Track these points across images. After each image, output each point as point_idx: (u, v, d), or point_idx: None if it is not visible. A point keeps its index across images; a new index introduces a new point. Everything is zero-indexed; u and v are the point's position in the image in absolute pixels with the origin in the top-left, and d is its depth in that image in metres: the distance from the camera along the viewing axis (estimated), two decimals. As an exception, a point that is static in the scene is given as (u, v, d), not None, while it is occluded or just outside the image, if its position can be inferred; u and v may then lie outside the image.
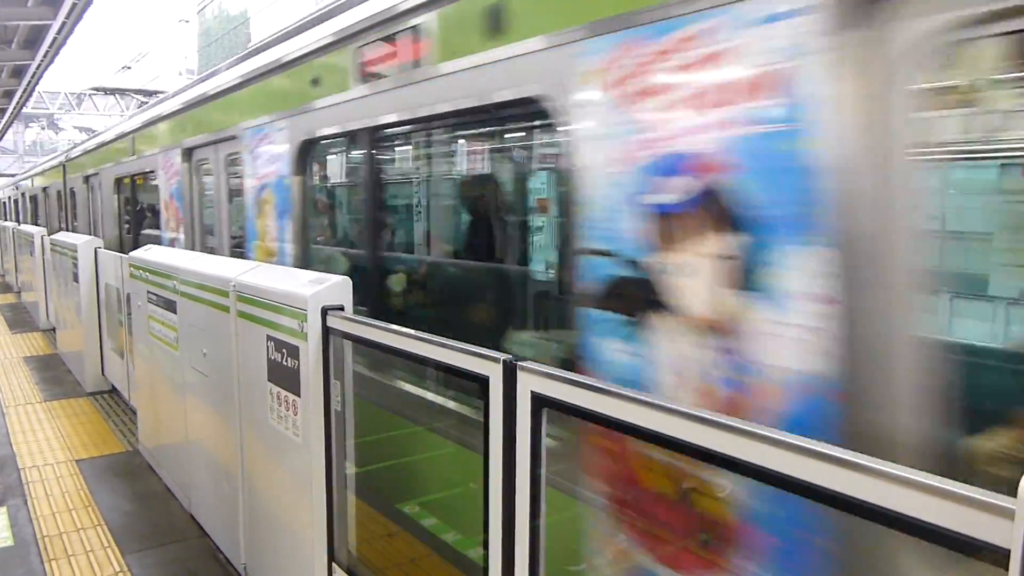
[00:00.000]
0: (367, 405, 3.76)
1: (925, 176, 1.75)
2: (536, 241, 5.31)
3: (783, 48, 1.91)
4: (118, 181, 11.07)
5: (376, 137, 4.39)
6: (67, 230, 14.36)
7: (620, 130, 2.45)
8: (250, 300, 3.80)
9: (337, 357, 3.25)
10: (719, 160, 2.09)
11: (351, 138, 4.81)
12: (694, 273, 2.18)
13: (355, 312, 3.29)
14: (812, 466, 1.38)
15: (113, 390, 8.40)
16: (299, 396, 3.33)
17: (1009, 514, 1.11)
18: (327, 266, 5.31)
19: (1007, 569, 1.10)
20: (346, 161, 6.18)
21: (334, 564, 3.33)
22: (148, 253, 5.93)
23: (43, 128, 48.50)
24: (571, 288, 2.70)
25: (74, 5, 10.03)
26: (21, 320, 13.91)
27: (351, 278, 3.33)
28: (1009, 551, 1.09)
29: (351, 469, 3.42)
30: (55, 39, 11.57)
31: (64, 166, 15.83)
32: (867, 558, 1.80)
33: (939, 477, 1.23)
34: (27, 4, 10.34)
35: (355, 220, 6.10)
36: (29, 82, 15.25)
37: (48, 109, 41.21)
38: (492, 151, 5.67)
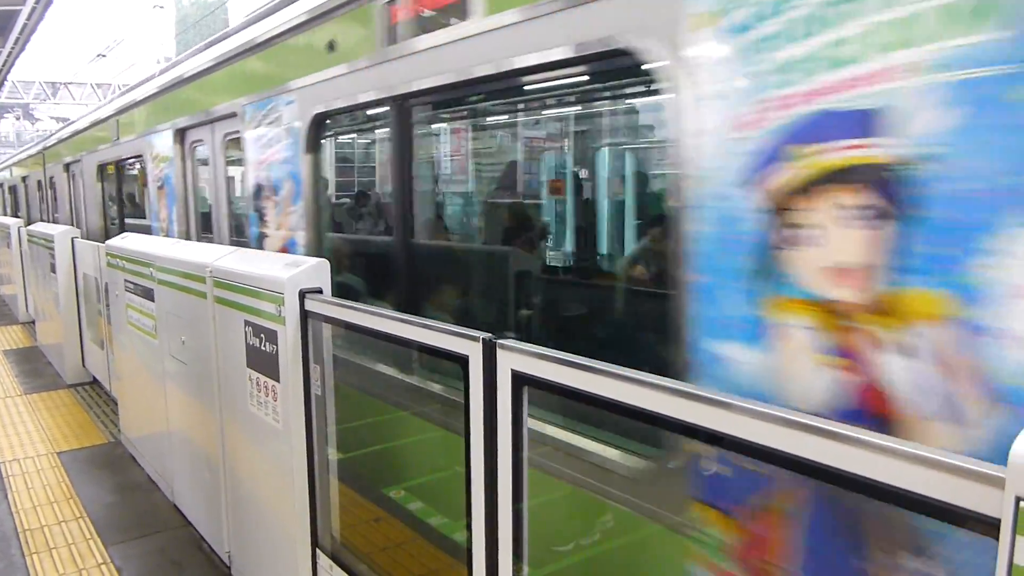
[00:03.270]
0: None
1: None
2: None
3: None
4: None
5: None
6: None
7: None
8: (227, 285, 3.73)
9: (316, 340, 3.20)
10: None
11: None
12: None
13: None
14: (798, 438, 1.35)
15: (94, 381, 8.31)
16: (278, 381, 3.28)
17: (999, 483, 1.08)
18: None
19: (997, 539, 1.07)
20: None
21: (318, 550, 3.30)
22: (125, 241, 5.83)
23: (18, 118, 47.78)
24: None
25: (43, -10, 9.84)
26: (0, 313, 13.74)
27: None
28: (999, 520, 1.06)
29: (333, 454, 3.38)
30: (25, 25, 11.36)
31: (117, 120, 8.76)
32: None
33: (928, 447, 1.19)
34: (-5, -10, 10.14)
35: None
36: (0, 70, 14.98)
37: (23, 99, 40.63)
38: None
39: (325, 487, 3.34)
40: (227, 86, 5.56)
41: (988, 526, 1.10)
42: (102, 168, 9.83)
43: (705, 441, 1.63)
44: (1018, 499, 1.02)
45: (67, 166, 11.69)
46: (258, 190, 5.05)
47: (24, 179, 18.05)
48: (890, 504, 1.23)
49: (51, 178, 13.50)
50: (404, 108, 3.70)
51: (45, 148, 13.86)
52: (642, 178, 8.21)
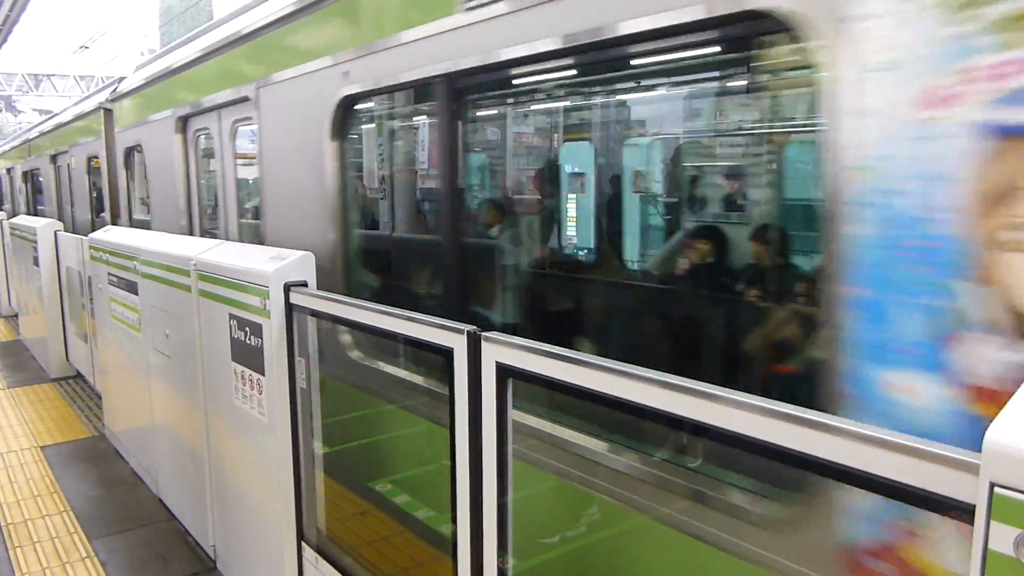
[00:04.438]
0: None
1: None
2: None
3: None
4: None
5: None
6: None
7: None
8: (211, 279, 3.72)
9: (301, 334, 3.20)
10: None
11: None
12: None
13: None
14: (777, 427, 1.36)
15: (78, 375, 8.25)
16: (263, 375, 3.27)
17: (974, 469, 1.09)
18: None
19: (972, 525, 1.09)
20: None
21: (303, 543, 3.30)
22: (108, 234, 5.79)
23: (0, 111, 47.22)
24: None
25: (25, -19, 9.74)
26: (-18, 307, 13.62)
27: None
28: (974, 506, 1.08)
29: (319, 448, 3.38)
30: (8, 16, 11.24)
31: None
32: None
33: (903, 435, 1.21)
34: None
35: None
36: (-18, 62, 14.82)
37: (5, 91, 40.26)
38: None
39: (310, 480, 3.34)
40: None
41: (964, 512, 1.12)
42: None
43: (689, 432, 1.64)
44: (992, 485, 1.04)
45: (184, 121, 6.07)
46: None
47: (54, 159, 11.46)
48: (868, 491, 1.24)
49: (131, 150, 7.70)
50: None
51: (112, 99, 8.05)
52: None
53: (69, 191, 10.61)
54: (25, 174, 14.75)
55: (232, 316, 3.52)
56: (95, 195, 9.38)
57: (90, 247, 5.99)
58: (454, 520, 2.27)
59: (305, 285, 3.19)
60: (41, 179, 12.97)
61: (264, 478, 3.43)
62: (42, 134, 12.58)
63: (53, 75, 39.40)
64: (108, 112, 8.18)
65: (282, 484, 3.26)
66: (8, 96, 42.37)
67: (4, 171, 16.86)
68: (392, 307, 2.60)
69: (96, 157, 8.75)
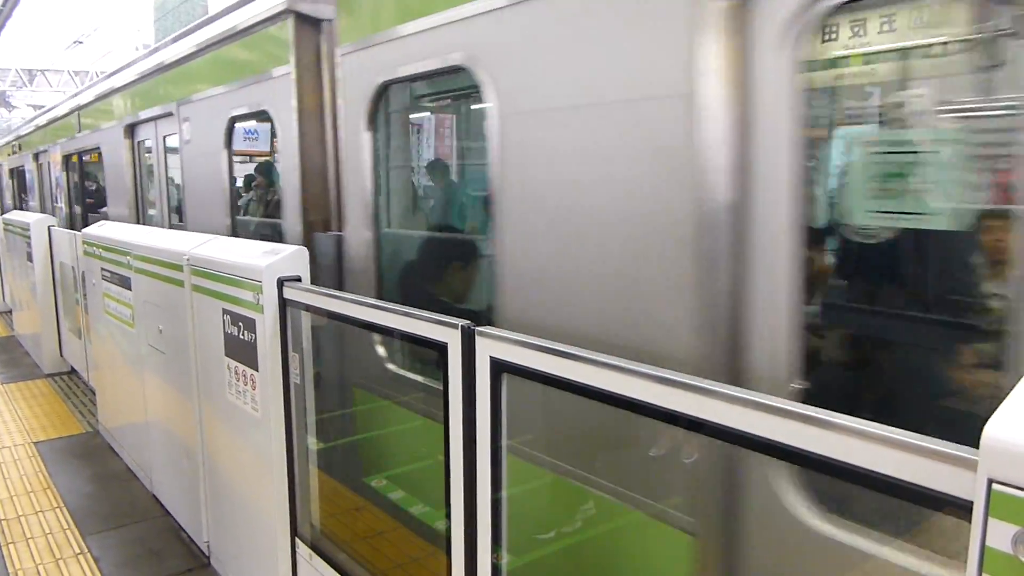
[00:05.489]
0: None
1: None
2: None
3: None
4: None
5: None
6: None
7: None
8: (205, 273, 3.70)
9: (295, 329, 3.18)
10: None
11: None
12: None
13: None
14: (773, 423, 1.35)
15: (72, 371, 8.22)
16: (257, 370, 3.25)
17: (972, 465, 1.08)
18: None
19: (970, 522, 1.08)
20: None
21: (297, 539, 3.28)
22: (102, 229, 5.77)
23: (-6, 106, 46.98)
24: None
25: (18, -25, 9.67)
26: (-24, 302, 13.57)
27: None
28: (972, 503, 1.07)
29: (313, 444, 3.36)
30: (1, 11, 11.18)
31: None
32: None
33: (900, 431, 1.20)
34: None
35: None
36: (-24, 56, 14.74)
37: (-1, 86, 40.12)
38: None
39: (304, 476, 3.32)
40: None
41: (961, 509, 1.10)
42: None
43: (684, 428, 1.63)
44: (990, 481, 1.03)
45: None
46: None
47: (132, 130, 7.10)
48: (863, 487, 1.23)
49: (389, 88, 3.48)
50: None
51: None
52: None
53: (165, 185, 6.47)
54: (66, 160, 9.49)
55: (226, 311, 3.50)
56: (237, 192, 5.72)
57: (83, 242, 5.96)
58: (448, 515, 2.26)
59: (299, 280, 3.17)
60: (98, 167, 8.40)
61: (258, 474, 3.41)
62: (100, 97, 7.79)
63: (47, 70, 39.28)
64: (307, 22, 3.99)
65: (276, 480, 3.25)
66: (3, 92, 42.22)
67: (30, 159, 11.82)
68: (385, 303, 2.58)
69: (259, 114, 4.61)
